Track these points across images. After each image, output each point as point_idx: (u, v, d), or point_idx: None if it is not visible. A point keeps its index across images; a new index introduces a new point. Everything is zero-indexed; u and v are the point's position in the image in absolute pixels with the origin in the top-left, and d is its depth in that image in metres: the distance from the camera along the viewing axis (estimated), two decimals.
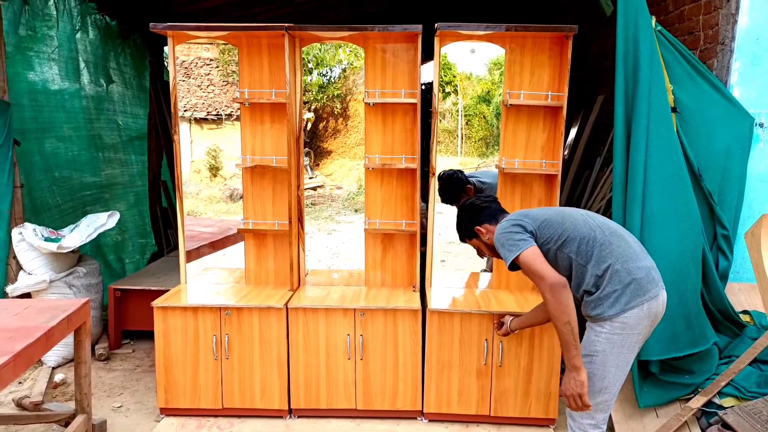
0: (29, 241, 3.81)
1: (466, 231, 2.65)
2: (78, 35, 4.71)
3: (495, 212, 2.59)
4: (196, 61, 18.03)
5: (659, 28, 3.12)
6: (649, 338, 2.88)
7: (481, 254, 2.78)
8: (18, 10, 4.03)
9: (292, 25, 3.25)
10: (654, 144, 2.99)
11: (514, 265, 2.36)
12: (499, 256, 2.47)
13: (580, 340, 2.28)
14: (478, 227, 2.58)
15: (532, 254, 2.28)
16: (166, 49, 3.93)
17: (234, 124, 17.28)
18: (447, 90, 18.32)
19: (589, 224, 2.38)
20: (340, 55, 18.73)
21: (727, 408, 2.85)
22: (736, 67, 3.33)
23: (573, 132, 5.56)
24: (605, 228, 2.38)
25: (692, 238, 3.04)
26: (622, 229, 2.44)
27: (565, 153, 5.56)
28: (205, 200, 14.74)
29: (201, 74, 18.04)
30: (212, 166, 17.15)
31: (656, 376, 3.08)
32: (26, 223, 3.90)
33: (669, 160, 3.02)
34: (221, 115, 17.40)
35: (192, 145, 17.32)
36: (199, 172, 17.14)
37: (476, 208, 2.61)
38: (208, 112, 17.39)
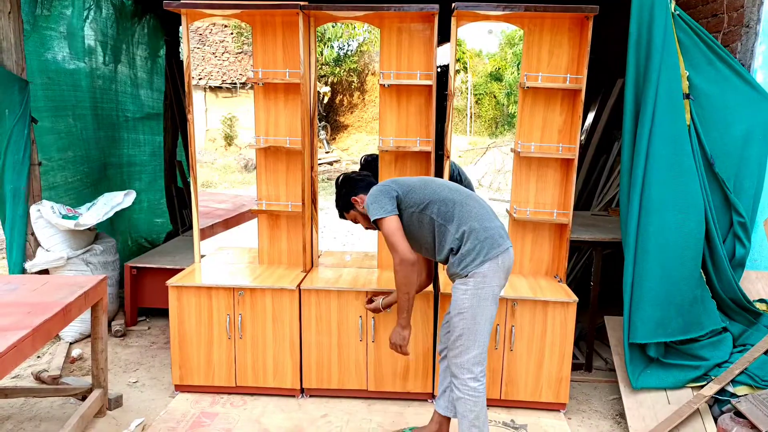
0: (47, 218, 3.86)
1: (343, 203, 2.85)
2: (93, 14, 4.71)
3: (369, 184, 2.81)
4: (210, 27, 17.93)
5: (678, 11, 3.05)
6: (636, 321, 3.05)
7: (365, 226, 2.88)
8: None
9: (306, 3, 3.22)
10: (658, 133, 3.00)
11: (376, 224, 2.63)
12: (372, 227, 2.77)
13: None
14: (354, 197, 2.80)
15: (394, 225, 2.56)
16: (181, 27, 3.92)
17: (249, 92, 17.24)
18: (456, 68, 18.17)
19: (450, 189, 2.67)
20: (356, 30, 18.57)
21: (740, 396, 2.83)
22: (761, 50, 3.24)
23: (591, 116, 5.47)
24: (463, 192, 2.67)
25: (691, 227, 3.03)
26: (477, 195, 2.74)
27: (582, 137, 5.48)
28: (220, 170, 14.80)
29: (216, 41, 17.97)
30: (227, 135, 17.16)
31: (659, 359, 3.12)
32: (44, 201, 3.95)
33: (671, 149, 3.01)
34: (236, 83, 17.33)
35: (207, 114, 17.34)
36: (214, 141, 17.18)
37: (352, 180, 2.86)
38: (223, 80, 17.31)
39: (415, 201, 2.62)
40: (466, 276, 2.52)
